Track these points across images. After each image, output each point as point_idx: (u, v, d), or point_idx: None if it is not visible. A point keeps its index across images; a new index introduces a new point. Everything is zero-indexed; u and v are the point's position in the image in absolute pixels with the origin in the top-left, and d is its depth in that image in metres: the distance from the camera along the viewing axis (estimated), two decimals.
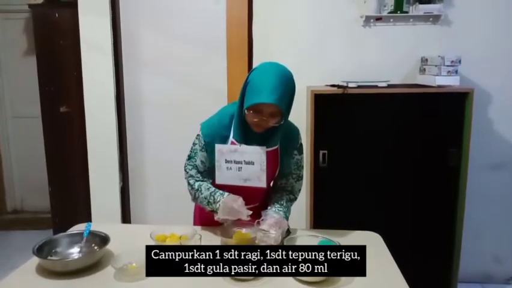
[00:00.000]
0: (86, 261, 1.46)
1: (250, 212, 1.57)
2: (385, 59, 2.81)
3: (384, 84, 2.59)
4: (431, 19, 2.76)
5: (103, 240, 1.55)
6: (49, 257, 1.51)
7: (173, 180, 2.96)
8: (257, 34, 2.86)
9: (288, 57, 2.82)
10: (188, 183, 1.74)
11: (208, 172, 1.72)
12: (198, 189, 1.69)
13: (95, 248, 1.56)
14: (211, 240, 1.65)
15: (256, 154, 1.60)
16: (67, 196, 3.27)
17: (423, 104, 2.53)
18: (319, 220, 2.60)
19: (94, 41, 2.87)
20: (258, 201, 1.72)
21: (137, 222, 3.15)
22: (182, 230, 1.63)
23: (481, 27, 2.77)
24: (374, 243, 1.70)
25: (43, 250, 1.51)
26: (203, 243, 1.50)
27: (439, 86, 2.51)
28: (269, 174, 1.67)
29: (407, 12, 2.72)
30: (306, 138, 2.77)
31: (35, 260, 1.48)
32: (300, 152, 1.76)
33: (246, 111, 1.55)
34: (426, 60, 2.69)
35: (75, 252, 1.56)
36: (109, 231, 1.60)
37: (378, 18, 2.76)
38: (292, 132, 1.74)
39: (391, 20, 2.77)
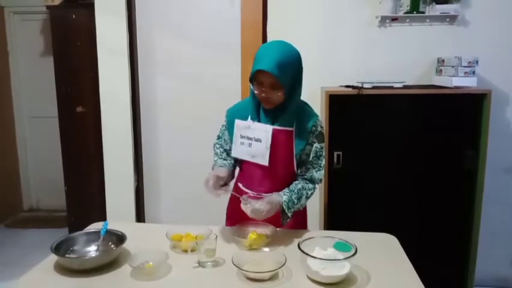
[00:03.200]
0: (103, 260, 1.47)
1: (219, 193, 1.63)
2: (401, 59, 2.78)
3: (399, 85, 2.57)
4: (447, 19, 2.73)
5: (120, 239, 1.56)
6: (67, 255, 1.52)
7: (188, 181, 2.99)
8: (272, 35, 2.85)
9: (303, 57, 2.81)
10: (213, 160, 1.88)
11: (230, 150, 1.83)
12: (214, 164, 1.84)
13: (112, 246, 1.57)
14: (226, 240, 1.65)
15: (264, 132, 1.68)
16: (82, 195, 3.31)
17: (439, 105, 2.50)
18: (333, 221, 2.58)
19: (110, 42, 2.90)
20: (278, 188, 1.71)
21: (151, 222, 3.17)
22: (198, 229, 1.63)
23: (498, 28, 2.73)
24: (390, 245, 1.69)
25: (61, 248, 1.52)
26: (218, 243, 1.51)
27: (456, 87, 2.48)
28: (285, 158, 1.70)
29: (423, 12, 2.70)
30: None
31: (53, 258, 1.50)
32: (320, 141, 1.73)
33: (251, 84, 1.66)
34: (443, 61, 2.66)
35: (92, 250, 1.58)
36: (125, 230, 1.61)
37: (394, 19, 2.74)
38: (308, 115, 1.73)
39: (407, 20, 2.75)
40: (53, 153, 3.71)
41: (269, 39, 2.85)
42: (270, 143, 1.66)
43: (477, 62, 2.48)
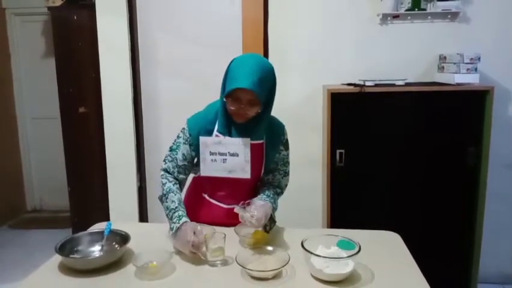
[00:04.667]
0: (108, 260, 1.48)
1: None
2: (402, 57, 2.78)
3: (401, 83, 2.56)
4: (449, 16, 2.72)
5: (124, 238, 1.57)
6: (71, 255, 1.53)
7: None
8: (273, 34, 2.85)
9: (305, 56, 2.84)
10: (161, 180, 1.75)
11: (185, 167, 1.74)
12: (165, 194, 1.69)
13: (116, 246, 1.57)
14: (229, 239, 1.65)
15: (241, 146, 1.64)
16: (86, 196, 3.31)
17: (441, 102, 2.50)
18: (336, 219, 2.58)
19: (111, 42, 2.90)
20: (244, 196, 1.71)
21: (155, 222, 3.17)
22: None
23: (500, 24, 2.72)
24: (393, 243, 1.69)
25: (65, 248, 1.53)
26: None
27: (458, 84, 2.48)
28: (255, 169, 1.69)
29: (424, 9, 2.69)
30: (322, 137, 2.77)
31: (57, 258, 1.51)
32: (286, 148, 1.78)
33: (225, 99, 1.59)
34: (445, 57, 2.66)
35: (96, 250, 1.58)
36: (128, 230, 1.61)
37: (396, 16, 2.74)
38: (277, 126, 1.76)
39: (408, 17, 2.74)
40: (56, 154, 3.72)
41: (270, 37, 2.85)
42: (249, 155, 1.63)
43: (479, 58, 2.47)
